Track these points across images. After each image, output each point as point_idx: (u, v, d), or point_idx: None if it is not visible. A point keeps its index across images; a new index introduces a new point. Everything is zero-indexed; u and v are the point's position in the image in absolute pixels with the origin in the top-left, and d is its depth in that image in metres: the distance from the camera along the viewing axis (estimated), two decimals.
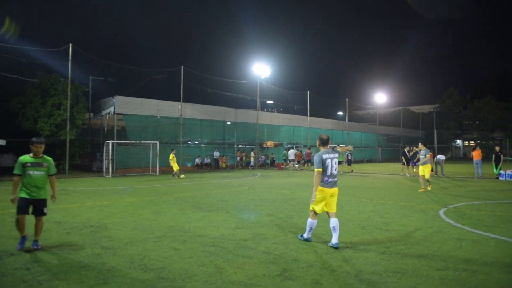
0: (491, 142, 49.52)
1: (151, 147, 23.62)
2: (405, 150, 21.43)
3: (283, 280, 4.22)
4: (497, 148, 19.30)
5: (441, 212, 8.49)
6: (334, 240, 5.53)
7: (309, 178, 19.19)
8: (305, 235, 5.95)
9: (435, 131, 31.84)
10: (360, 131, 47.47)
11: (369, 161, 44.99)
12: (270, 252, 5.32)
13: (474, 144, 29.31)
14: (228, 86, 31.72)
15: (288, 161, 29.45)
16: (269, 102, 45.00)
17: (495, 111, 54.69)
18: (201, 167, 27.98)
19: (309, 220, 5.81)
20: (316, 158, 5.70)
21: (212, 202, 10.36)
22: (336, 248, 5.44)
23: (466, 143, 61.10)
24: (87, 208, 9.32)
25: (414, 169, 20.99)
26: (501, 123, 54.47)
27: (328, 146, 5.95)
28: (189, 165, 27.90)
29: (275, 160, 33.56)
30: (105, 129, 25.85)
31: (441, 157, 21.43)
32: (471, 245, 5.66)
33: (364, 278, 4.26)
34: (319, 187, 5.61)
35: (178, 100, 26.73)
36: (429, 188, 13.15)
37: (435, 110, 56.30)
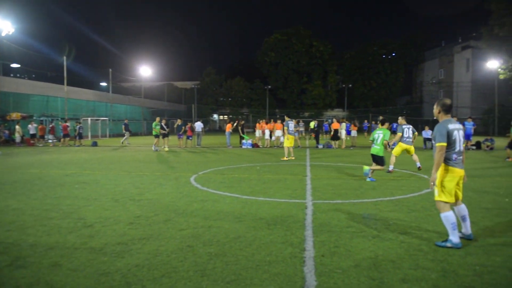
0: (240, 117, 57.91)
1: None
2: (162, 123, 22.01)
3: (15, 270, 3.69)
4: (242, 122, 22.78)
5: (192, 179, 9.37)
6: (469, 229, 4.55)
7: (65, 154, 17.40)
8: (453, 239, 4.26)
9: (194, 105, 34.56)
10: (125, 103, 46.44)
11: (134, 134, 44.75)
12: (1, 242, 4.54)
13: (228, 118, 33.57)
14: None
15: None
16: (15, 66, 37.87)
17: (243, 90, 64.13)
18: None
19: (442, 215, 4.36)
20: (440, 129, 4.34)
21: None
22: (470, 239, 4.52)
23: (221, 117, 69.32)
24: None
25: (181, 141, 22.13)
26: (247, 101, 64.50)
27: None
28: None
29: (23, 136, 28.68)
30: None
31: (199, 128, 23.36)
32: (212, 204, 6.50)
33: (109, 250, 4.22)
34: (448, 167, 4.33)
35: None
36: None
37: (196, 86, 61.02)
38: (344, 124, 21.93)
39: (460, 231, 4.58)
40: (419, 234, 4.80)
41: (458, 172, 4.37)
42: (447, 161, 4.36)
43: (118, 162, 13.64)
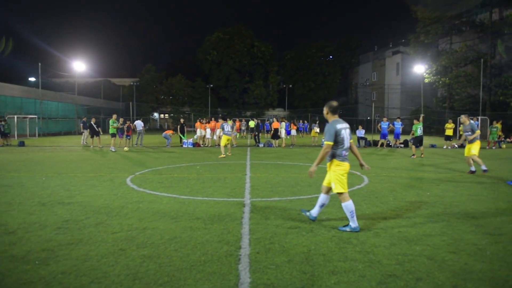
0: (181, 115, 56.82)
1: None
2: (92, 122, 20.96)
3: None
4: (182, 120, 22.40)
5: (128, 180, 9.03)
6: (316, 213, 5.23)
7: None
8: (352, 225, 4.86)
9: (133, 103, 33.29)
10: (57, 100, 43.50)
11: (68, 133, 42.15)
12: None
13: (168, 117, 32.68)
14: None
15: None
16: None
17: (184, 89, 63.00)
18: None
19: (343, 204, 4.87)
20: (329, 128, 4.79)
21: None
22: (313, 220, 5.24)
23: (162, 115, 67.59)
24: None
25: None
26: (189, 99, 63.47)
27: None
28: None
29: None
30: None
31: (140, 127, 22.52)
32: (147, 205, 6.32)
33: (33, 257, 3.94)
34: (339, 162, 4.82)
35: None
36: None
37: (135, 83, 58.84)
38: (283, 124, 22.45)
39: (308, 210, 5.28)
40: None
41: (347, 166, 4.91)
42: (337, 156, 4.86)
43: (48, 163, 12.74)
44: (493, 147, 21.65)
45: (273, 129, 22.12)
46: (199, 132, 22.71)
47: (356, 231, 4.82)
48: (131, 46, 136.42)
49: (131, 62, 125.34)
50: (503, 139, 22.99)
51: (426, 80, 42.79)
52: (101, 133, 20.69)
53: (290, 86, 64.32)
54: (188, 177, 9.62)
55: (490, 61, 38.60)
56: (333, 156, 4.88)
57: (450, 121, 20.66)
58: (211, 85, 60.85)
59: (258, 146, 21.86)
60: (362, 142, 22.33)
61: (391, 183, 8.77)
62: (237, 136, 24.87)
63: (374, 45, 70.95)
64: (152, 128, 62.71)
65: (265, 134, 32.58)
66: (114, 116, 19.16)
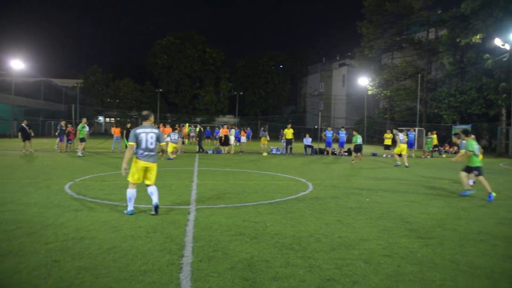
0: (128, 120, 54.94)
1: None
2: (23, 124, 19.74)
3: None
4: (128, 125, 21.66)
5: (67, 187, 8.55)
6: (155, 201, 6.06)
7: None
8: (128, 208, 5.99)
9: (76, 105, 31.61)
10: None
11: (2, 136, 39.10)
12: None
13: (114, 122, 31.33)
14: None
15: None
16: None
17: (132, 92, 61.04)
18: None
19: (127, 190, 6.01)
20: (131, 132, 6.00)
21: None
22: (156, 206, 6.02)
23: (108, 119, 64.92)
24: None
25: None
26: (137, 103, 61.57)
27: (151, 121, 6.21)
28: None
29: None
30: None
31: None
32: (87, 213, 6.03)
33: None
34: (135, 159, 5.95)
35: None
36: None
37: (79, 85, 56.07)
38: (233, 131, 22.51)
39: (132, 207, 6.12)
40: (292, 233, 5.17)
41: (141, 163, 5.97)
42: (135, 154, 5.99)
43: None
44: (428, 156, 23.23)
45: (222, 135, 22.09)
46: None
47: (130, 214, 5.91)
48: (76, 46, 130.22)
49: (75, 62, 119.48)
50: (437, 149, 24.71)
51: (369, 92, 45.06)
52: (33, 134, 19.79)
53: (241, 93, 64.66)
54: None
55: (427, 76, 41.52)
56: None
57: (388, 131, 21.87)
58: (161, 90, 59.57)
59: (206, 152, 21.70)
60: (309, 150, 22.95)
61: (334, 190, 9.09)
62: (186, 142, 24.52)
63: (322, 57, 73.68)
64: (97, 132, 60.00)
65: (214, 141, 32.43)
66: (84, 120, 18.91)
